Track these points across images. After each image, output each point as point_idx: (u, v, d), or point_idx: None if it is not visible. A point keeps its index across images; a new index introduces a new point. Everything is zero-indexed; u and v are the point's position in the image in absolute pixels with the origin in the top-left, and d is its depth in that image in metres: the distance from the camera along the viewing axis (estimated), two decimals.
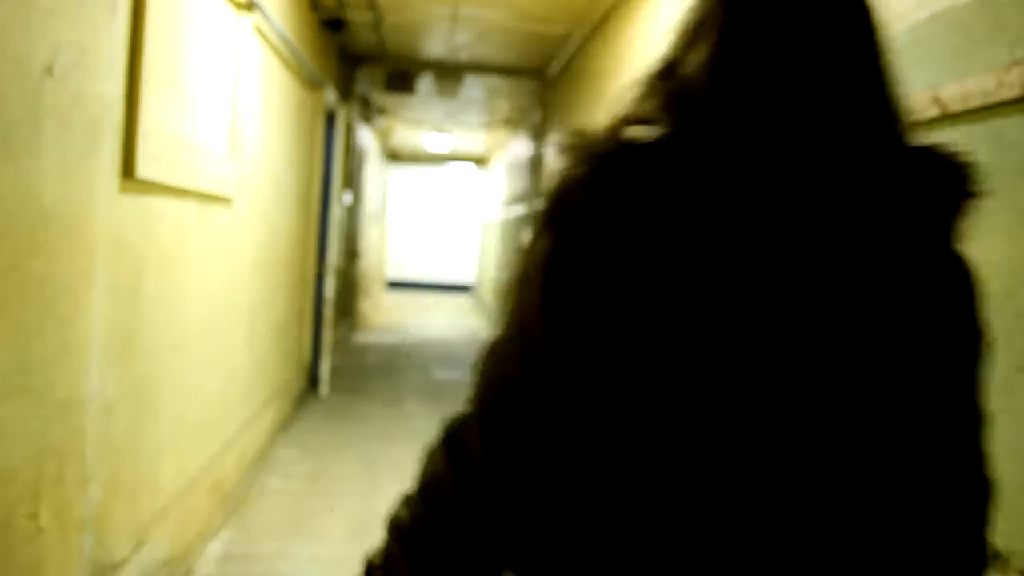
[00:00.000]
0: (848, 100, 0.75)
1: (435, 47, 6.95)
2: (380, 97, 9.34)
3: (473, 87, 8.53)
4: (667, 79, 0.80)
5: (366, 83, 8.33)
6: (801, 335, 0.72)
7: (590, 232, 0.73)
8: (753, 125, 0.73)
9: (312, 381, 6.34)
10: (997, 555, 1.47)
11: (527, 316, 0.77)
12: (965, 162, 0.77)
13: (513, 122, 10.36)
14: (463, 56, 7.19)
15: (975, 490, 0.85)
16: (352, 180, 8.22)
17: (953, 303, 0.78)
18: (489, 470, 0.77)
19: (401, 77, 7.58)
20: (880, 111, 0.77)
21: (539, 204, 0.79)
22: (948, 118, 1.65)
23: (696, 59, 0.77)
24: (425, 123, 11.11)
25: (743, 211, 0.72)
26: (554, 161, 0.70)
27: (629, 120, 0.79)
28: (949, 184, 0.77)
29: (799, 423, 0.71)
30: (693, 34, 0.79)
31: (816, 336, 0.72)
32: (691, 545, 0.71)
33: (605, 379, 0.73)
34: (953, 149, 0.78)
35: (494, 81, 8.15)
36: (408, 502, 0.84)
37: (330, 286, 6.34)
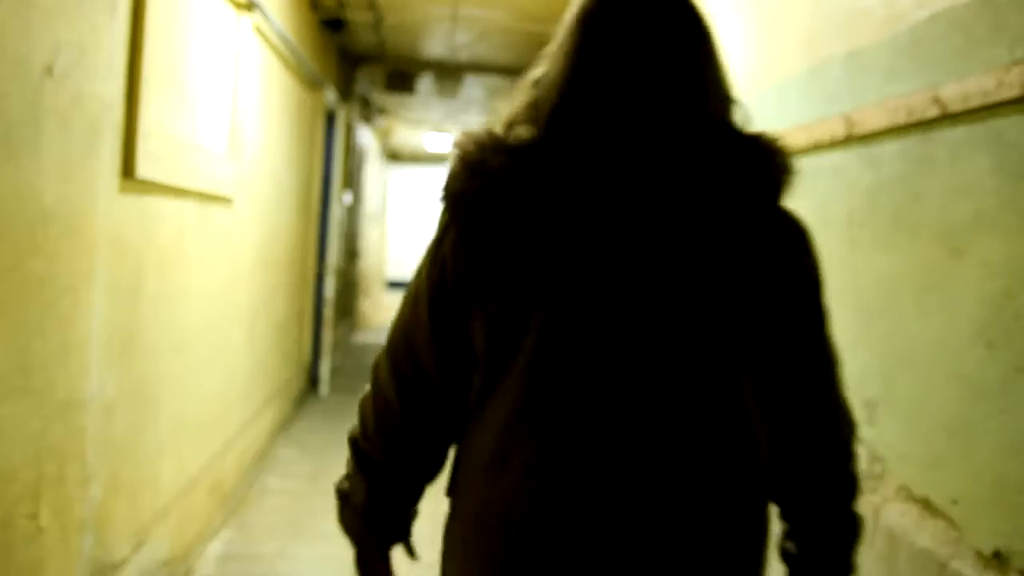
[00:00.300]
0: (666, 104, 0.95)
1: (435, 47, 6.95)
2: (380, 97, 9.34)
3: (473, 87, 8.53)
4: (535, 88, 1.01)
5: (366, 83, 8.34)
6: (597, 267, 0.94)
7: (459, 206, 0.98)
8: (590, 128, 0.95)
9: (312, 381, 6.34)
10: (998, 555, 1.47)
11: (420, 270, 1.04)
12: (779, 147, 0.98)
13: None
14: (463, 56, 7.19)
15: (825, 404, 1.07)
16: (352, 180, 8.22)
17: (778, 249, 0.98)
18: (390, 383, 1.07)
19: (401, 77, 7.57)
20: (696, 111, 0.96)
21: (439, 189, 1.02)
22: (948, 118, 1.65)
23: (551, 75, 0.99)
24: (425, 123, 11.11)
25: (580, 190, 0.94)
26: (450, 155, 1.01)
27: (510, 121, 1.01)
28: (764, 163, 0.97)
29: (595, 351, 0.94)
30: (552, 56, 1.01)
31: (605, 271, 0.94)
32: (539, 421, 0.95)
33: (466, 312, 0.98)
34: (770, 137, 0.99)
35: (494, 81, 8.15)
36: (358, 414, 1.15)
37: (330, 286, 6.34)
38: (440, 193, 1.01)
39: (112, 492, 2.29)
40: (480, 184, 0.95)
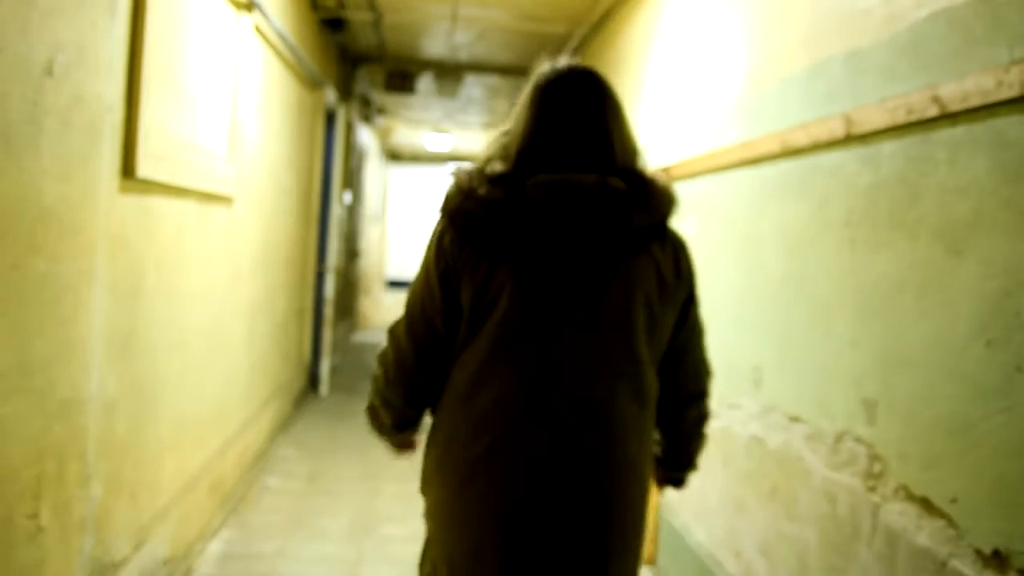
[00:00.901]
0: (587, 152, 1.41)
1: (435, 47, 6.95)
2: (380, 97, 9.34)
3: (473, 87, 8.53)
4: (505, 137, 1.47)
5: (366, 83, 8.33)
6: (542, 257, 1.38)
7: (455, 217, 1.41)
8: (537, 166, 1.40)
9: (312, 380, 6.34)
10: (997, 554, 1.47)
11: (427, 259, 1.46)
12: (666, 184, 1.45)
13: None
14: (463, 56, 7.19)
15: (695, 367, 1.58)
16: (352, 180, 8.22)
17: (672, 265, 1.46)
18: (408, 342, 1.50)
19: (401, 77, 7.57)
20: (607, 156, 1.42)
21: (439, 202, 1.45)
22: (947, 117, 1.65)
23: (516, 129, 1.46)
24: (425, 123, 11.11)
25: (526, 210, 1.37)
26: (447, 181, 1.48)
27: (488, 158, 1.46)
28: (656, 195, 1.43)
29: (542, 322, 1.39)
30: (516, 115, 1.47)
31: (549, 260, 1.38)
32: (494, 365, 1.40)
33: (460, 284, 1.42)
34: (661, 177, 1.45)
35: (494, 81, 8.15)
36: (378, 363, 1.58)
37: (330, 285, 6.34)
38: (440, 207, 1.44)
39: (112, 491, 2.29)
40: (471, 204, 1.40)
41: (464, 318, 1.42)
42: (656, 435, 1.60)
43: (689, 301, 1.51)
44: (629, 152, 1.46)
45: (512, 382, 1.38)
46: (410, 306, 1.50)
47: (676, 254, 1.47)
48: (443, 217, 1.43)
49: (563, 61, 1.49)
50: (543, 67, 1.49)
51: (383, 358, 1.56)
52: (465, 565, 1.39)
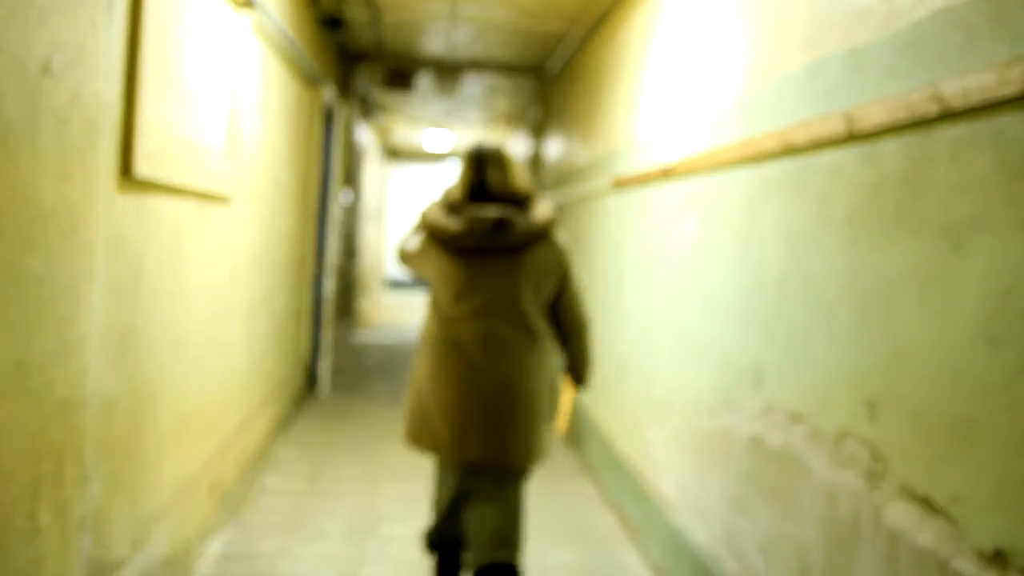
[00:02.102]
0: (495, 193, 2.55)
1: (434, 45, 6.94)
2: (379, 95, 9.33)
3: (472, 85, 8.52)
4: (455, 185, 2.62)
5: (365, 81, 8.32)
6: (470, 251, 2.51)
7: (426, 224, 2.57)
8: (466, 200, 2.57)
9: (311, 380, 6.33)
10: (999, 554, 1.46)
11: (413, 244, 2.66)
12: (550, 212, 2.57)
13: (512, 119, 10.35)
14: (462, 54, 7.18)
15: (573, 315, 2.66)
16: (351, 178, 8.21)
17: (550, 256, 2.55)
18: (411, 272, 2.74)
19: (400, 75, 7.56)
20: (508, 193, 2.56)
21: (419, 215, 2.63)
22: (948, 115, 1.64)
23: (458, 181, 2.61)
24: (424, 121, 11.10)
25: (469, 227, 2.50)
26: (427, 205, 2.64)
27: (447, 195, 2.61)
28: (542, 220, 2.54)
29: (471, 286, 2.51)
30: (459, 172, 2.61)
31: (474, 253, 2.51)
32: (450, 317, 2.56)
33: (426, 262, 2.60)
34: (547, 209, 2.59)
35: (493, 79, 8.14)
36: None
37: (329, 285, 6.33)
38: (421, 217, 2.59)
39: (111, 491, 2.29)
40: (436, 217, 2.52)
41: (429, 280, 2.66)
42: (562, 356, 2.71)
43: (564, 279, 2.60)
44: (521, 190, 2.59)
45: (450, 345, 2.55)
46: (399, 250, 2.83)
47: (553, 251, 2.58)
48: (420, 223, 2.64)
49: (481, 141, 2.65)
50: (470, 144, 2.65)
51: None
52: (428, 389, 2.58)
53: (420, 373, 2.61)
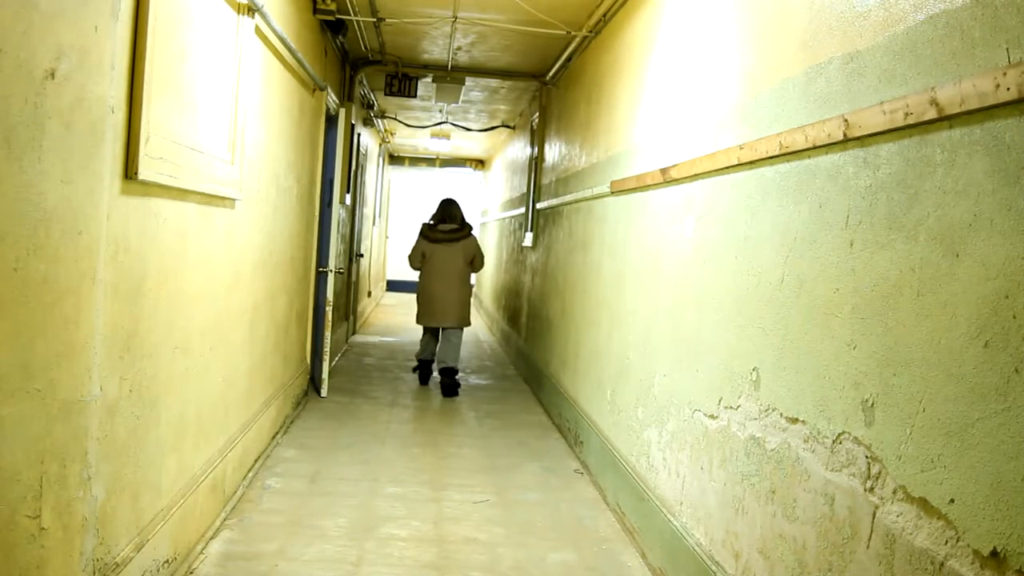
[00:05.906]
0: (453, 220, 7.30)
1: (435, 50, 6.96)
2: (380, 99, 9.35)
3: (473, 89, 8.54)
4: (434, 213, 7.45)
5: (366, 85, 8.34)
6: (440, 248, 7.23)
7: (423, 231, 7.35)
8: (441, 222, 7.30)
9: (313, 381, 6.34)
10: (995, 554, 1.48)
11: (418, 241, 7.37)
12: (469, 227, 7.37)
13: (512, 124, 10.37)
14: (463, 59, 7.20)
15: (477, 264, 7.48)
16: (352, 182, 8.23)
17: (471, 243, 7.27)
18: (411, 261, 7.44)
19: (401, 79, 7.59)
20: (459, 220, 7.30)
21: (423, 224, 7.48)
22: (945, 120, 1.66)
23: (435, 212, 7.41)
24: (425, 125, 11.12)
25: (438, 235, 7.25)
26: (423, 223, 6.90)
27: (432, 218, 7.37)
28: (466, 227, 7.34)
29: (438, 267, 7.22)
30: (436, 208, 7.48)
31: (441, 247, 7.23)
32: (429, 285, 7.29)
33: (421, 248, 7.32)
34: (468, 225, 7.37)
35: (494, 84, 8.16)
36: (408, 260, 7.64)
37: (330, 287, 6.35)
38: (421, 227, 7.34)
39: (114, 492, 2.30)
40: (429, 230, 7.23)
41: (424, 258, 7.20)
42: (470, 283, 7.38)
43: (475, 251, 7.18)
44: (461, 218, 7.22)
45: (433, 277, 7.10)
46: (413, 252, 7.25)
47: (472, 242, 7.17)
48: (422, 232, 7.21)
49: (446, 196, 7.44)
50: (443, 197, 7.45)
51: (410, 260, 7.37)
52: (424, 299, 7.16)
53: (421, 291, 7.18)
